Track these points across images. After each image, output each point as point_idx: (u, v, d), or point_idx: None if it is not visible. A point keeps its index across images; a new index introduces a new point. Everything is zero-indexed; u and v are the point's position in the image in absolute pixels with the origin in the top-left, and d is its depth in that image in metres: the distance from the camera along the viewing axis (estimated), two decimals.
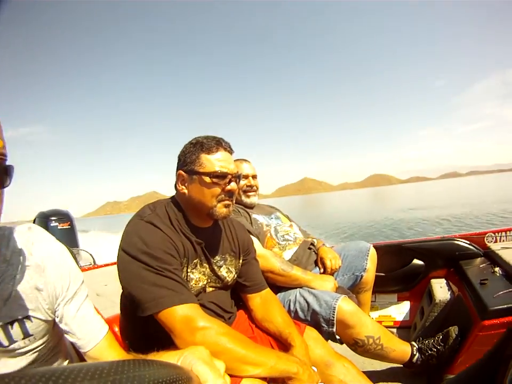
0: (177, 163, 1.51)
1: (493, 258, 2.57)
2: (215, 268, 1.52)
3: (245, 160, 2.50)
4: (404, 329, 2.86)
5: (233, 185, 1.45)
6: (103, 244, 12.23)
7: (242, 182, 2.40)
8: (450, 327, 2.03)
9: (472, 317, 2.00)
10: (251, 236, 2.00)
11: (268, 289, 1.76)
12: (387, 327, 2.78)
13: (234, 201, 1.52)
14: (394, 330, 2.87)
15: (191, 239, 1.42)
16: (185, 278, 1.39)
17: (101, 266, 4.60)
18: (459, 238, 2.86)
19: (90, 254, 6.67)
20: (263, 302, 1.68)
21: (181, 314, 1.21)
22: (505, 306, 1.83)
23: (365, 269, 2.40)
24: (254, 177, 2.49)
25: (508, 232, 2.92)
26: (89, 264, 6.18)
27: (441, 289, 2.58)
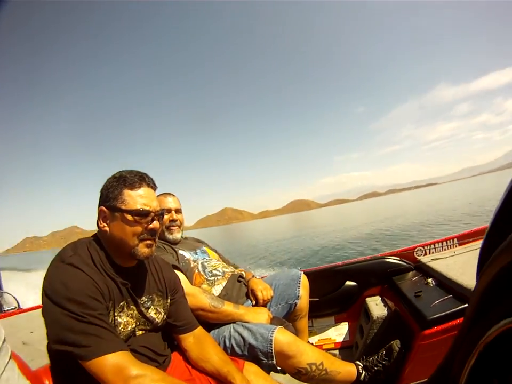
0: (100, 198, 1.48)
1: (424, 271, 2.78)
2: (143, 309, 1.49)
3: (169, 194, 2.50)
4: (346, 350, 2.96)
5: (155, 223, 1.45)
6: (26, 284, 11.20)
7: (165, 217, 2.38)
8: (392, 341, 2.13)
9: (412, 328, 2.15)
10: (178, 273, 1.99)
11: (200, 327, 1.75)
12: (328, 349, 2.90)
13: (156, 241, 1.52)
14: (337, 351, 2.95)
15: (116, 280, 1.39)
16: (113, 322, 1.35)
17: (26, 310, 4.19)
18: (389, 255, 3.08)
19: (14, 297, 6.06)
20: (196, 341, 1.67)
21: (112, 364, 1.17)
22: (443, 313, 2.00)
23: (298, 296, 2.46)
24: (178, 211, 2.49)
25: (436, 244, 3.17)
26: (13, 308, 5.62)
27: (377, 306, 2.73)
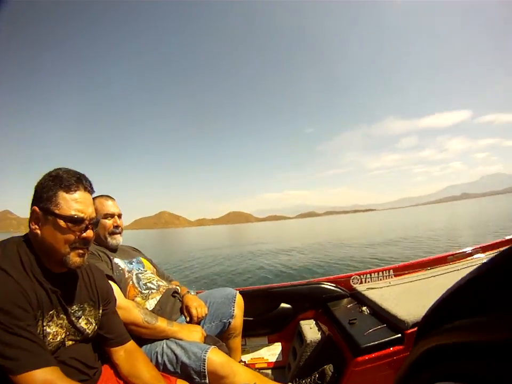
0: (33, 195, 1.40)
1: (359, 299, 2.86)
2: (73, 319, 1.44)
3: (109, 197, 2.41)
4: (279, 370, 2.98)
5: (89, 232, 1.40)
6: None
7: (109, 222, 2.31)
8: (325, 366, 2.20)
9: (345, 354, 2.21)
10: (112, 283, 1.93)
11: (132, 341, 1.71)
12: (261, 368, 2.90)
13: (89, 249, 1.47)
14: (269, 371, 2.97)
15: (46, 286, 1.33)
16: (41, 333, 1.28)
17: None
18: (325, 281, 3.15)
19: None
20: (127, 356, 1.63)
21: (40, 380, 1.12)
22: (377, 342, 2.07)
23: (232, 315, 2.46)
24: (120, 216, 2.41)
25: (372, 274, 3.31)
26: None
27: (311, 330, 2.78)
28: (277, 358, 3.06)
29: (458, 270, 3.27)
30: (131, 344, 1.68)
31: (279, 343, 3.10)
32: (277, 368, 3.01)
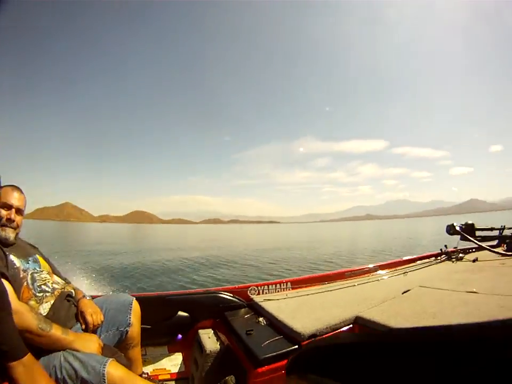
0: None
1: (256, 310, 2.94)
2: None
3: (17, 189, 2.22)
4: (182, 381, 2.96)
5: None
6: None
7: (3, 212, 2.10)
8: (227, 377, 2.22)
9: (245, 365, 2.23)
10: (6, 283, 1.74)
11: (30, 354, 1.53)
12: (165, 380, 2.88)
13: None
14: (173, 382, 2.94)
15: None
16: None
17: None
18: (223, 290, 3.21)
19: None
20: (26, 371, 1.46)
21: None
22: (275, 353, 2.11)
23: (129, 323, 2.39)
24: (19, 211, 2.21)
25: (270, 285, 3.43)
26: None
27: (210, 340, 2.78)
28: (180, 369, 3.01)
29: (354, 285, 3.44)
30: (29, 358, 1.50)
31: (180, 353, 3.07)
32: (181, 380, 2.97)
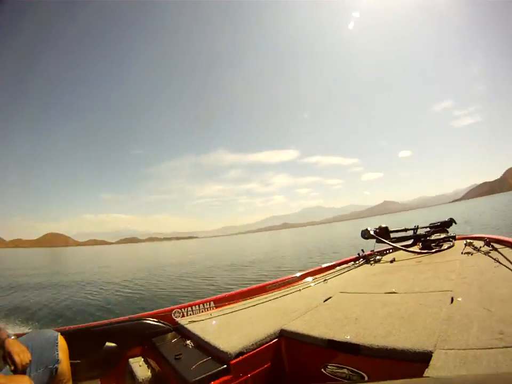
0: None
1: (183, 333, 2.95)
2: None
3: None
4: None
5: None
6: None
7: None
8: None
9: None
10: None
11: None
12: None
13: None
14: None
15: None
16: None
17: None
18: (147, 316, 3.19)
19: None
20: None
21: None
22: (204, 375, 2.13)
23: (58, 360, 2.28)
24: None
25: (193, 306, 3.45)
26: None
27: (140, 368, 2.76)
28: None
29: (276, 298, 3.54)
30: None
31: None
32: None
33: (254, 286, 4.26)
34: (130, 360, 2.89)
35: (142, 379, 2.59)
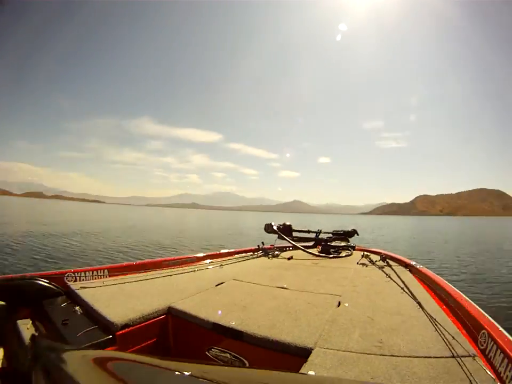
0: None
1: (73, 298, 2.87)
2: None
3: None
4: (6, 377, 2.54)
5: None
6: None
7: None
8: None
9: None
10: None
11: None
12: None
13: None
14: None
15: None
16: None
17: None
18: (39, 276, 3.01)
19: None
20: None
21: None
22: (89, 344, 2.10)
23: None
24: None
25: (87, 272, 3.36)
26: None
27: (28, 331, 2.55)
28: (2, 364, 2.57)
29: (170, 275, 3.61)
30: None
31: (1, 348, 2.68)
32: (4, 376, 2.52)
33: (150, 260, 4.27)
34: (19, 322, 2.67)
35: (29, 342, 2.33)
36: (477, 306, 2.55)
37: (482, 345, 2.04)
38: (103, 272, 3.48)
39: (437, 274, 3.71)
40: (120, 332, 2.24)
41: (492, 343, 1.94)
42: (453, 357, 1.82)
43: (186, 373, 0.93)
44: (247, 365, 2.12)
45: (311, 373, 1.62)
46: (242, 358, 2.14)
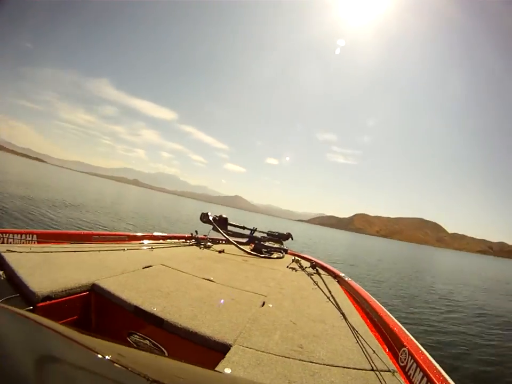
0: None
1: None
2: None
3: None
4: None
5: None
6: None
7: None
8: None
9: None
10: None
11: None
12: None
13: None
14: None
15: None
16: None
17: None
18: None
19: None
20: None
21: None
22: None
23: None
24: None
25: (16, 234, 3.20)
26: None
27: None
28: None
29: (99, 251, 3.48)
30: None
31: None
32: None
33: (81, 231, 4.13)
34: None
35: None
36: (399, 324, 2.63)
37: (402, 362, 2.11)
38: (32, 237, 3.33)
39: (364, 288, 3.80)
40: (41, 304, 2.13)
41: (412, 360, 2.01)
42: (373, 370, 1.86)
43: (106, 356, 0.83)
44: (166, 354, 2.09)
45: (228, 370, 1.61)
46: (161, 347, 2.12)
